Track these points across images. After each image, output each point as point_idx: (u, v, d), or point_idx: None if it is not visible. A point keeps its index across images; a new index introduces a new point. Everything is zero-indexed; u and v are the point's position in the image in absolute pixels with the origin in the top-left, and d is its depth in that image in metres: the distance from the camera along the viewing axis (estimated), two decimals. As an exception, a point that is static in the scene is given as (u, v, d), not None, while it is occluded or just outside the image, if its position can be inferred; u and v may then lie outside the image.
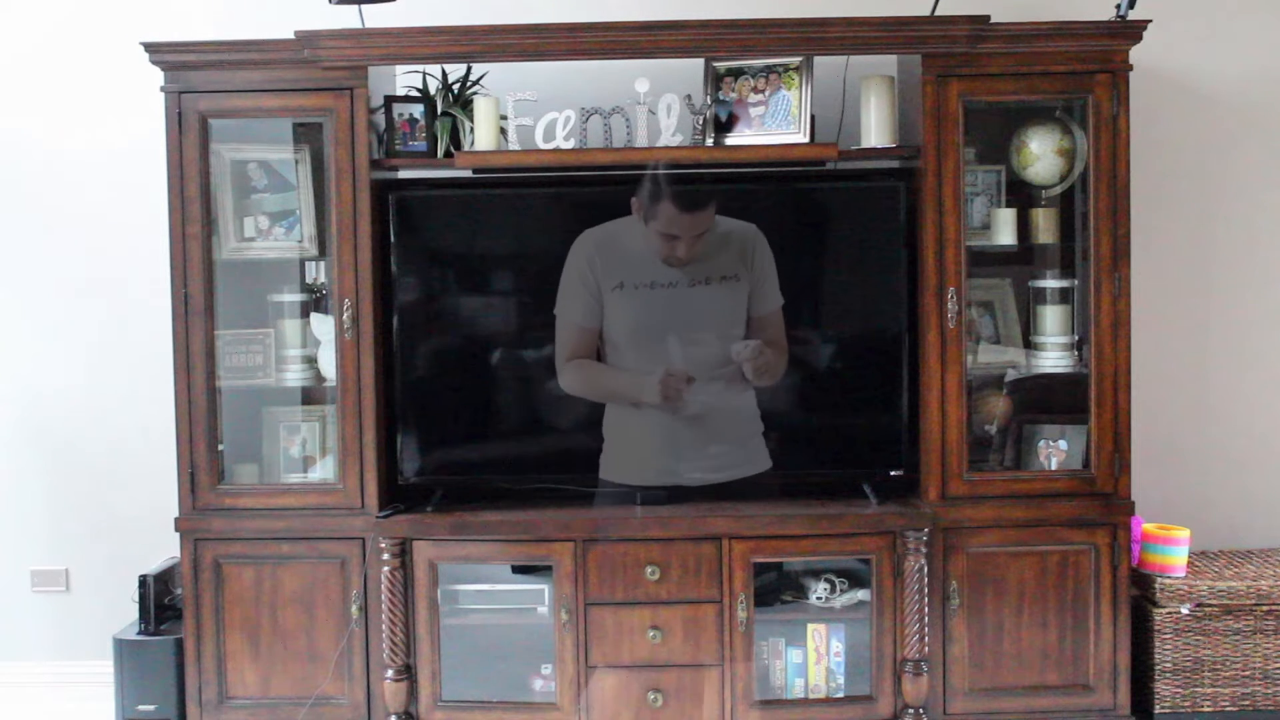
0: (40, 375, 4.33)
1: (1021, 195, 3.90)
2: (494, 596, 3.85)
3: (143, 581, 3.94)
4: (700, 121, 3.80)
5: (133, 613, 4.01)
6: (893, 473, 3.84)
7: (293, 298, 3.94)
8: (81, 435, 4.33)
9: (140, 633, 3.93)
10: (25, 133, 4.28)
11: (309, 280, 3.97)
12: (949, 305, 3.71)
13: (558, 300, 3.80)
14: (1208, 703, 3.81)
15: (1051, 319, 3.88)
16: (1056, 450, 3.87)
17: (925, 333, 3.74)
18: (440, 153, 3.87)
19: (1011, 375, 3.95)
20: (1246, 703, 3.82)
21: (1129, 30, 3.69)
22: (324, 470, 3.91)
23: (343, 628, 3.78)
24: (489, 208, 3.94)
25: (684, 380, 3.74)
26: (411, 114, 3.85)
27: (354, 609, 3.77)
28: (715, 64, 3.84)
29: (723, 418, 3.83)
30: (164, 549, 4.07)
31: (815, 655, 3.79)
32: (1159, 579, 3.84)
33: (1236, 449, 4.25)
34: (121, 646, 3.91)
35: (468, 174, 3.93)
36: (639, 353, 3.81)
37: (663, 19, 3.76)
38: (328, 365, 3.85)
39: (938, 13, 3.76)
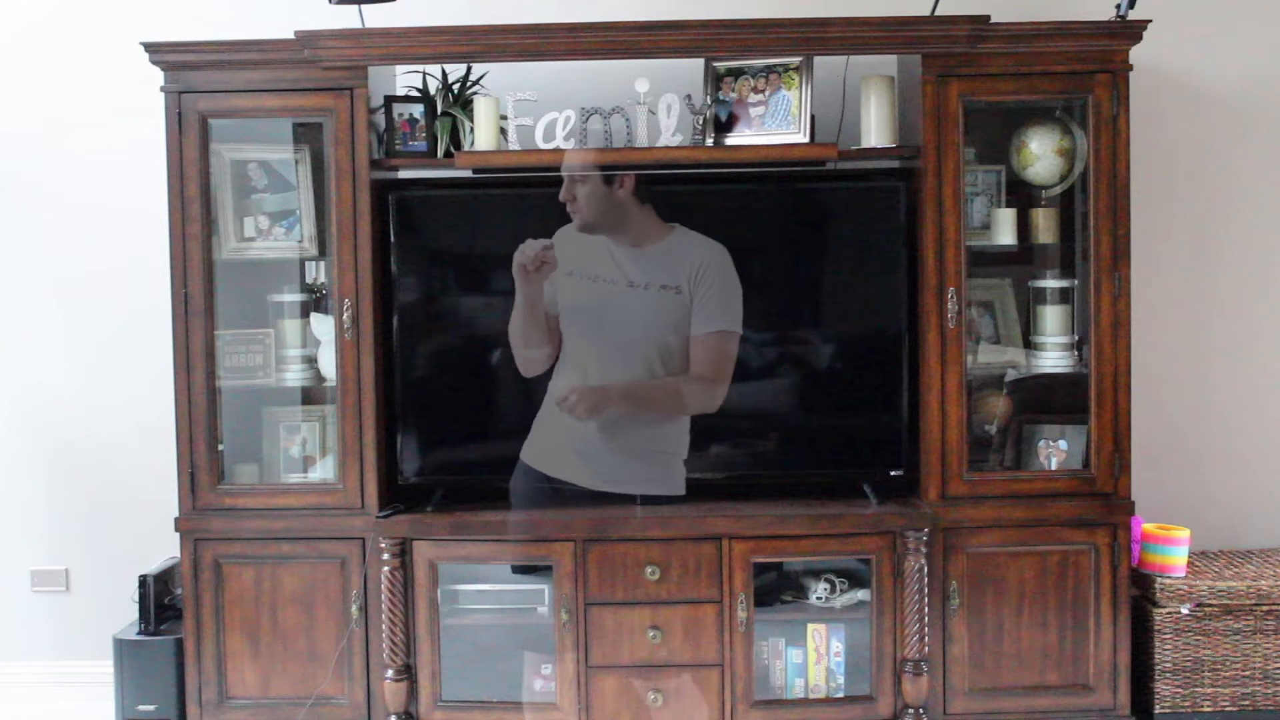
0: (40, 375, 4.33)
1: (1021, 195, 3.90)
2: (494, 596, 3.85)
3: (143, 581, 3.94)
4: (700, 121, 3.80)
5: (133, 613, 4.01)
6: (892, 473, 3.84)
7: (293, 298, 3.94)
8: (82, 435, 4.33)
9: (140, 633, 3.93)
10: (25, 133, 4.28)
11: (309, 280, 3.97)
12: (949, 305, 3.71)
13: None
14: (1208, 703, 3.81)
15: (1051, 319, 3.87)
16: (1056, 450, 3.87)
17: (925, 333, 3.74)
18: (440, 153, 3.87)
19: (1011, 375, 3.95)
20: (1246, 703, 3.82)
21: (1129, 30, 3.69)
22: (324, 470, 3.91)
23: (343, 628, 3.78)
24: (489, 208, 3.94)
25: (583, 407, 3.72)
26: (411, 114, 3.85)
27: (354, 609, 3.77)
28: (715, 64, 3.84)
29: (640, 429, 3.79)
30: (164, 549, 4.07)
31: (815, 655, 3.79)
32: (1159, 579, 3.84)
33: (1236, 449, 4.25)
34: (121, 646, 3.91)
35: (468, 174, 3.93)
36: (576, 339, 3.75)
37: (663, 19, 3.76)
38: (328, 365, 3.85)
39: (938, 13, 3.76)
